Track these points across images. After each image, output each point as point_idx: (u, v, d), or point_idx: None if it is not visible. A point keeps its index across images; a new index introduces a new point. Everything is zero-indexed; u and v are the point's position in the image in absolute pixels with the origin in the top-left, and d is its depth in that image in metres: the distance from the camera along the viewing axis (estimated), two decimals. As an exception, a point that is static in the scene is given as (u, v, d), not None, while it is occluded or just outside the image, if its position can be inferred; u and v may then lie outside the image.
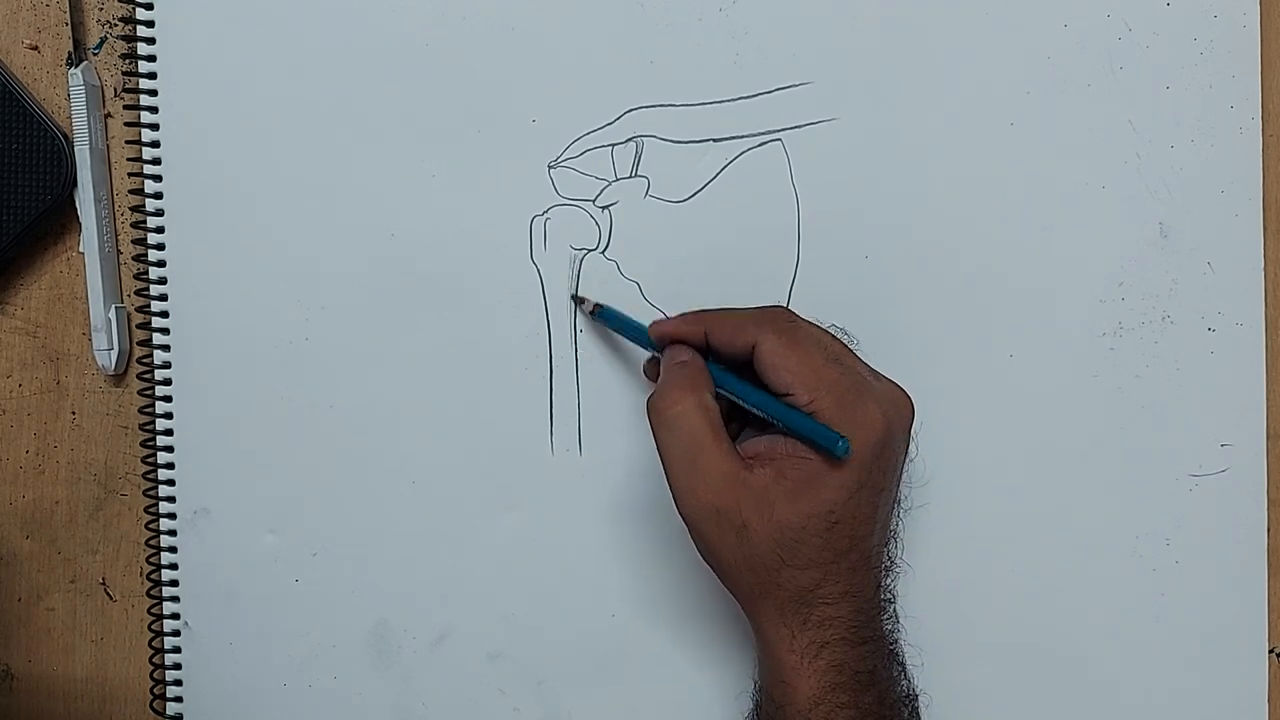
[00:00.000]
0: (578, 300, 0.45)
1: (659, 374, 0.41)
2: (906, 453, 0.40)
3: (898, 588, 0.42)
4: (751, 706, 0.42)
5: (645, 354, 0.45)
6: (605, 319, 0.44)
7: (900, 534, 0.42)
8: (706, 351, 0.41)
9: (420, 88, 0.45)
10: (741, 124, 0.45)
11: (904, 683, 0.40)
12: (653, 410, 0.39)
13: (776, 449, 0.38)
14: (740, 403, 0.39)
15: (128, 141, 0.46)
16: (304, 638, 0.47)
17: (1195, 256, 0.45)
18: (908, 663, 0.41)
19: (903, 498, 0.43)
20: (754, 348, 0.38)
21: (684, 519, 0.39)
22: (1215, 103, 0.45)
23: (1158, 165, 0.45)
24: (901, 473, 0.40)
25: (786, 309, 0.41)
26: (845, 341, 0.40)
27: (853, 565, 0.38)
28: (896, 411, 0.39)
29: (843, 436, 0.36)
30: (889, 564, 0.41)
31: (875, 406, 0.38)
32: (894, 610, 0.41)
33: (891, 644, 0.40)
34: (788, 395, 0.38)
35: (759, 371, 0.39)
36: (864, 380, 0.39)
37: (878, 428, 0.37)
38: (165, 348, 0.46)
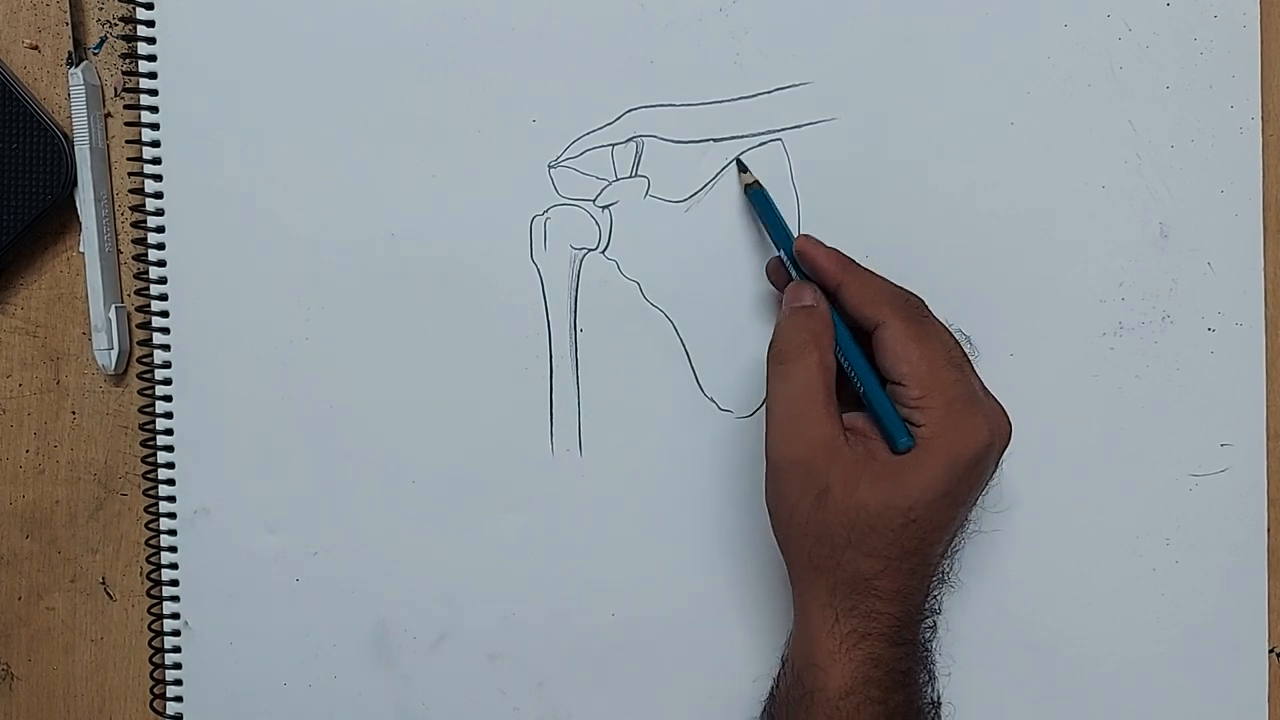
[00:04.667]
0: (741, 167, 0.44)
1: (778, 283, 0.42)
2: (993, 475, 0.40)
3: (945, 601, 0.42)
4: (770, 688, 0.42)
5: (644, 354, 0.45)
6: (755, 200, 0.43)
7: (962, 552, 0.42)
8: (833, 299, 0.40)
9: (420, 88, 0.45)
10: (741, 124, 0.45)
11: (930, 689, 0.40)
12: (774, 357, 0.39)
13: (876, 430, 0.39)
14: (844, 367, 0.40)
15: (128, 141, 0.46)
16: (304, 638, 0.47)
17: (1195, 256, 0.45)
18: (937, 671, 0.41)
19: (973, 519, 0.42)
20: (878, 327, 0.38)
21: (770, 465, 0.39)
22: (1215, 103, 0.45)
23: (1158, 165, 0.45)
24: (983, 493, 0.40)
25: (921, 300, 0.40)
26: (967, 351, 0.40)
27: (913, 568, 0.38)
28: (998, 432, 0.39)
29: (911, 436, 0.37)
30: (943, 575, 0.41)
31: (983, 420, 0.38)
32: (935, 621, 0.41)
33: (926, 650, 0.40)
34: (900, 385, 0.38)
35: (877, 353, 0.39)
36: (976, 392, 0.38)
37: (979, 441, 0.37)
38: (165, 348, 0.46)
